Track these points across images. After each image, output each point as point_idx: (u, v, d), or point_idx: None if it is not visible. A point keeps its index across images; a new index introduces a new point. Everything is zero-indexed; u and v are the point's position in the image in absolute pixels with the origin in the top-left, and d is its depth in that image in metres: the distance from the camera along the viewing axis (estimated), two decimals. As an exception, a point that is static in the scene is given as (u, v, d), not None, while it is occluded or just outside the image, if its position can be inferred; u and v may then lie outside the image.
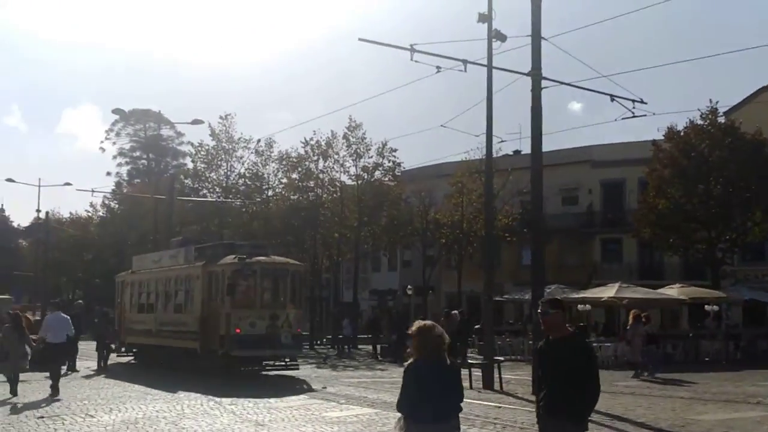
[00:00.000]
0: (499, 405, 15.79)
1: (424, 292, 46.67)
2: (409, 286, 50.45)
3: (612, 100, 19.63)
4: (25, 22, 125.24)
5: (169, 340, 24.98)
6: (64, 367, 21.31)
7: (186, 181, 48.18)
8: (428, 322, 6.20)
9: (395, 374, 24.28)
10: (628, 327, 24.39)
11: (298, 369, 22.82)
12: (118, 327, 29.06)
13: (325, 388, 19.36)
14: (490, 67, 19.11)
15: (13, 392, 16.84)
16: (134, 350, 28.50)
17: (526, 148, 55.94)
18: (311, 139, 41.52)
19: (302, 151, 41.96)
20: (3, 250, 77.13)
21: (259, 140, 42.64)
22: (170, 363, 24.43)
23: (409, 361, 6.07)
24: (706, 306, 32.46)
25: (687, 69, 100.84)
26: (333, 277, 46.42)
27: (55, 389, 16.89)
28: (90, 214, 64.47)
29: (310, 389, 19.20)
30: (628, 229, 41.47)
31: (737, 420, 13.74)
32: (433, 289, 50.76)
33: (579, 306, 34.32)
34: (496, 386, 18.80)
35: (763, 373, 23.59)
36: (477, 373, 19.42)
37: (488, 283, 20.31)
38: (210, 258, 23.30)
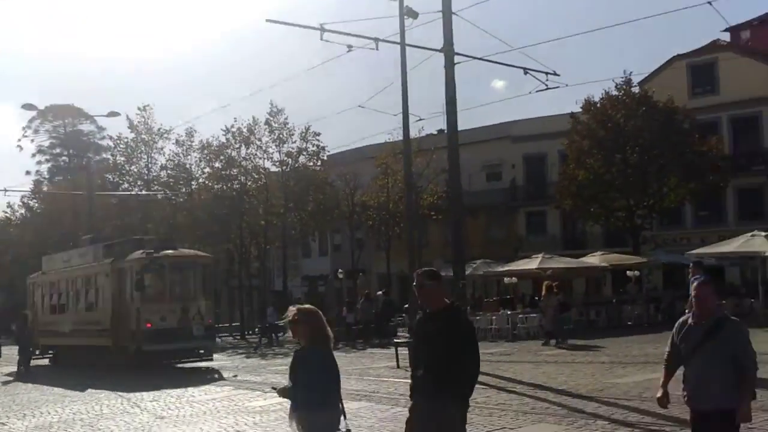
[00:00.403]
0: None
1: (354, 275, 46.63)
2: (339, 270, 50.33)
3: (525, 73, 19.81)
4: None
5: (83, 340, 24.97)
6: None
7: (107, 176, 46.97)
8: (309, 307, 6.05)
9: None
10: (541, 297, 24.89)
11: (212, 360, 22.94)
12: (32, 329, 28.17)
13: (236, 376, 19.35)
14: (403, 45, 19.03)
15: None
16: (50, 352, 28.19)
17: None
18: (232, 126, 40.91)
19: (224, 139, 41.31)
20: None
21: (169, 129, 41.61)
22: (86, 362, 24.25)
23: (298, 348, 5.93)
24: (627, 272, 33.30)
25: (600, 39, 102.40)
26: (262, 266, 45.85)
27: None
28: (8, 215, 62.14)
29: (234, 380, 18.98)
30: (551, 201, 42.28)
31: (654, 380, 14.06)
32: (363, 271, 50.80)
33: (505, 279, 34.85)
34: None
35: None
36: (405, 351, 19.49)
37: (412, 266, 20.28)
38: (118, 255, 23.44)
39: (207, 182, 42.80)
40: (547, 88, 19.99)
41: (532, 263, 30.45)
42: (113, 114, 35.61)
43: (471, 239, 50.57)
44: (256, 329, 42.24)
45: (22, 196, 60.43)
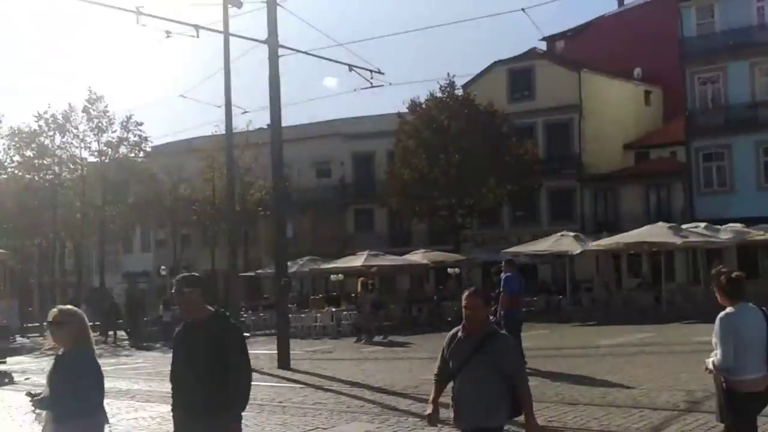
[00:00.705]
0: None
1: (177, 272, 45.03)
2: (162, 267, 48.55)
3: (350, 69, 19.84)
4: None
5: None
6: None
7: None
8: (71, 308, 5.50)
9: (139, 359, 23.19)
10: (357, 295, 25.19)
11: (5, 363, 21.82)
12: None
13: (27, 379, 18.18)
14: (226, 34, 18.44)
15: None
16: None
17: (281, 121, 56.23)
18: (45, 112, 38.32)
19: (36, 126, 38.60)
20: None
21: None
22: None
23: (59, 353, 5.33)
24: (448, 269, 34.37)
25: (425, 40, 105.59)
26: (78, 261, 43.35)
27: None
28: None
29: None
30: (379, 199, 42.91)
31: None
32: (187, 268, 49.20)
33: (332, 276, 34.99)
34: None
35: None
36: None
37: (233, 263, 19.76)
38: None
39: (16, 172, 39.78)
40: (372, 86, 20.16)
41: (357, 260, 30.71)
42: None
43: (300, 236, 50.51)
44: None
45: None
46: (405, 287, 41.39)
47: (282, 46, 17.48)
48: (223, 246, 47.09)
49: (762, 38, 36.75)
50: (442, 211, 38.30)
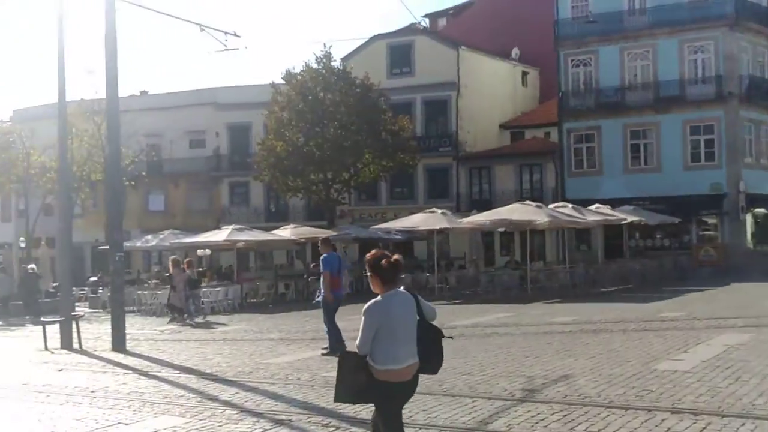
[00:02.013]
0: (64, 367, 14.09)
1: (35, 244, 42.30)
2: (21, 239, 45.58)
3: (201, 29, 18.48)
4: None
5: None
6: None
7: None
8: None
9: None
10: (170, 274, 24.01)
11: None
12: None
13: None
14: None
15: None
16: None
17: (155, 90, 53.68)
18: None
19: None
20: None
21: None
22: None
23: None
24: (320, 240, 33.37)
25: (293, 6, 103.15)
26: None
27: None
28: None
29: None
30: (254, 172, 41.52)
31: (308, 360, 13.67)
32: (48, 240, 46.35)
33: (198, 251, 33.52)
34: (75, 345, 17.03)
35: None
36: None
37: (66, 236, 18.13)
38: None
39: None
40: (226, 49, 18.88)
41: (221, 235, 29.35)
42: None
43: (172, 208, 48.65)
44: None
45: None
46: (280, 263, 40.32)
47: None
48: (91, 217, 44.72)
49: (632, 24, 37.53)
50: (317, 185, 37.36)
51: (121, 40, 16.56)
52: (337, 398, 5.60)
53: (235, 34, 19.19)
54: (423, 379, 10.67)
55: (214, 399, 10.45)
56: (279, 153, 35.99)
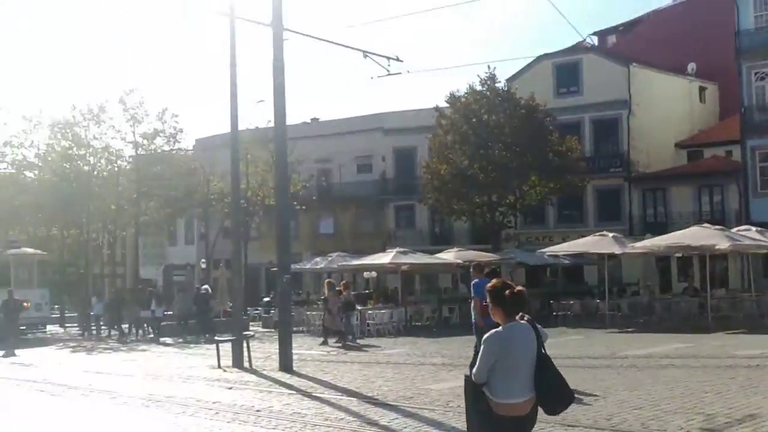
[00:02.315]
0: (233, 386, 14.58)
1: (212, 266, 44.88)
2: (203, 260, 48.46)
3: (365, 56, 18.78)
4: None
5: None
6: None
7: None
8: None
9: (153, 355, 22.56)
10: (325, 297, 24.21)
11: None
12: None
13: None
14: (232, 18, 17.55)
15: None
16: None
17: (325, 116, 55.58)
18: (80, 103, 38.36)
19: (71, 117, 38.56)
20: None
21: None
22: None
23: None
24: (486, 269, 32.91)
25: (451, 24, 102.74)
26: (112, 253, 43.30)
27: None
28: None
29: None
30: (419, 195, 41.82)
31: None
32: (227, 262, 48.92)
33: (365, 273, 34.09)
34: (246, 364, 17.64)
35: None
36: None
37: (238, 257, 18.90)
38: None
39: (53, 162, 39.79)
40: (389, 74, 19.08)
41: (385, 258, 29.66)
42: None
43: (341, 231, 49.92)
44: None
45: None
46: (445, 286, 40.22)
47: (288, 30, 16.52)
48: (265, 240, 46.70)
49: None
50: (481, 208, 37.03)
51: (290, 69, 17.17)
52: (469, 426, 5.57)
53: (397, 59, 19.36)
54: (592, 411, 10.03)
55: (373, 423, 10.37)
56: (443, 176, 36.01)
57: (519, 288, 5.40)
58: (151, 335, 29.22)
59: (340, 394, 13.15)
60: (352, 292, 34.08)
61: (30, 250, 32.64)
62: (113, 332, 30.79)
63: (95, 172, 39.34)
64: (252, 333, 21.85)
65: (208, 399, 12.89)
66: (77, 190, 37.84)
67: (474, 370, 5.28)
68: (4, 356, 22.92)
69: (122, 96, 38.31)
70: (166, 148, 40.08)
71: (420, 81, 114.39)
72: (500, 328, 5.31)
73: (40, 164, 40.49)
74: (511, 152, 35.10)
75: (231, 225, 21.08)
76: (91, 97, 38.67)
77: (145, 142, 39.22)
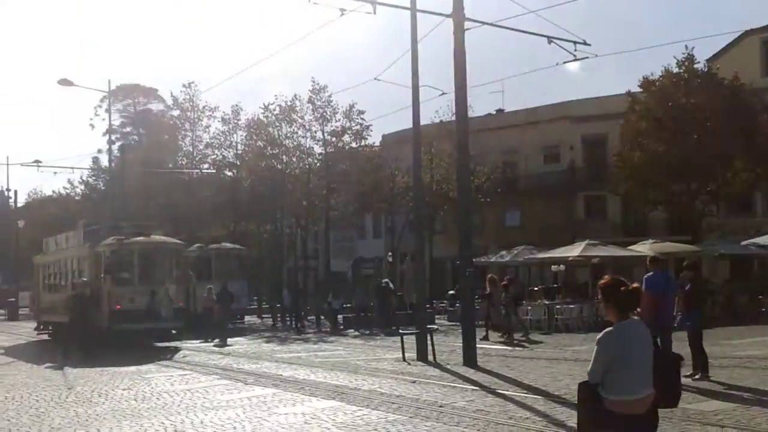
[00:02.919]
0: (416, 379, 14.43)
1: (399, 259, 45.34)
2: (389, 254, 49.16)
3: (550, 42, 17.97)
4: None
5: (69, 317, 26.07)
6: None
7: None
8: None
9: (340, 347, 23.01)
10: (489, 292, 23.31)
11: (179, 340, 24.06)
12: (36, 306, 30.92)
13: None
14: (413, 11, 17.39)
15: None
16: (50, 328, 29.58)
17: (510, 106, 54.62)
18: (271, 103, 40.07)
19: (263, 117, 40.44)
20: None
21: (214, 107, 40.75)
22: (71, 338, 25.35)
23: None
24: (684, 262, 30.81)
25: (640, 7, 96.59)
26: (304, 247, 44.86)
27: None
28: (68, 192, 63.09)
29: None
30: (610, 185, 39.95)
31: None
32: (412, 255, 49.40)
33: (552, 266, 33.00)
34: (430, 357, 17.49)
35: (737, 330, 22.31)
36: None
37: (421, 251, 18.77)
38: (96, 239, 24.92)
39: (249, 161, 41.96)
40: (576, 59, 18.15)
41: (574, 250, 28.49)
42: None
43: (527, 224, 48.81)
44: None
45: (81, 174, 61.15)
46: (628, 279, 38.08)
47: (469, 19, 16.10)
48: (450, 233, 46.67)
49: None
50: (679, 197, 34.72)
51: (471, 60, 16.68)
52: (579, 430, 5.48)
53: (584, 43, 18.39)
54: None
55: (560, 424, 9.79)
56: (637, 164, 34.10)
57: (634, 285, 5.33)
58: (328, 328, 30.13)
59: (525, 391, 12.62)
60: (537, 287, 33.40)
61: (229, 245, 34.49)
62: (298, 324, 32.11)
63: (288, 170, 40.97)
64: (436, 326, 21.68)
65: (391, 392, 12.83)
66: (271, 187, 39.66)
67: (588, 370, 5.26)
68: (217, 345, 24.38)
69: (311, 95, 39.57)
70: (354, 145, 40.91)
71: (608, 65, 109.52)
72: (613, 327, 5.24)
73: (238, 163, 42.84)
74: (713, 137, 32.56)
75: (414, 218, 21.02)
76: (281, 98, 39.53)
77: (334, 139, 40.27)
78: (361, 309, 31.32)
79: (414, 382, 14.10)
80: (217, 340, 25.11)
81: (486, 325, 23.23)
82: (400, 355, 17.79)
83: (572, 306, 25.98)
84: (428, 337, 17.51)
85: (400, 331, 18.61)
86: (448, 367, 16.24)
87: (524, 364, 16.78)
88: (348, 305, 33.41)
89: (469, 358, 16.04)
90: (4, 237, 62.73)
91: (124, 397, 13.34)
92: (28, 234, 57.86)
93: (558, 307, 25.98)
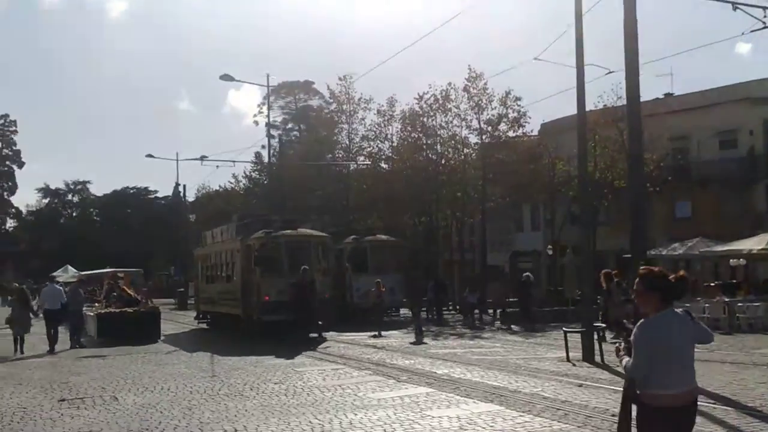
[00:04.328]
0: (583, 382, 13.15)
1: (559, 252, 43.46)
2: (549, 247, 47.31)
3: (735, 8, 16.02)
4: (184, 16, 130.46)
5: (225, 308, 27.71)
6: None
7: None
8: None
9: (497, 344, 21.88)
10: (606, 288, 20.48)
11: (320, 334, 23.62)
12: (196, 296, 32.62)
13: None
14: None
15: (19, 350, 20.72)
16: (208, 317, 30.91)
17: (678, 90, 51.09)
18: (425, 93, 39.37)
19: (417, 108, 39.81)
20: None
21: (369, 99, 40.60)
22: (228, 328, 27.00)
23: None
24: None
25: None
26: (460, 239, 43.86)
27: (50, 348, 21.10)
28: (233, 186, 65.47)
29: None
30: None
31: None
32: (574, 248, 47.26)
33: (731, 261, 30.26)
34: (597, 358, 16.07)
35: None
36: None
37: (588, 243, 17.34)
38: (247, 233, 25.55)
39: (404, 153, 41.48)
40: (765, 27, 16.06)
41: (757, 242, 25.83)
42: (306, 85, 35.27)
43: (700, 215, 45.39)
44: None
45: (244, 168, 63.35)
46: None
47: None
48: (615, 224, 44.26)
49: None
50: None
51: (642, 36, 15.11)
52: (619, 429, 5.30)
53: (775, 8, 16.26)
54: None
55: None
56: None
57: (682, 272, 5.15)
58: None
59: (711, 401, 11.07)
60: (713, 283, 30.67)
61: (384, 237, 34.19)
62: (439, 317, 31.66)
63: (443, 161, 40.16)
64: (603, 324, 20.04)
65: (555, 397, 11.69)
66: (426, 178, 38.98)
67: (629, 365, 5.00)
68: (374, 337, 24.01)
69: (466, 84, 38.52)
70: (511, 133, 39.46)
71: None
72: (651, 316, 4.98)
73: (393, 156, 42.51)
74: None
75: (579, 209, 19.56)
76: (435, 87, 38.79)
77: (489, 128, 38.99)
78: (498, 304, 30.32)
79: (581, 385, 12.85)
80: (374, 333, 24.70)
81: (612, 326, 21.05)
82: (564, 355, 16.50)
83: (757, 304, 23.49)
84: (595, 336, 16.10)
85: (564, 329, 17.27)
86: (618, 369, 14.77)
87: (703, 368, 14.93)
88: (489, 300, 32.38)
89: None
90: (178, 230, 66.25)
91: (274, 391, 12.96)
92: (197, 227, 60.65)
93: (740, 304, 23.55)
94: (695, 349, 5.09)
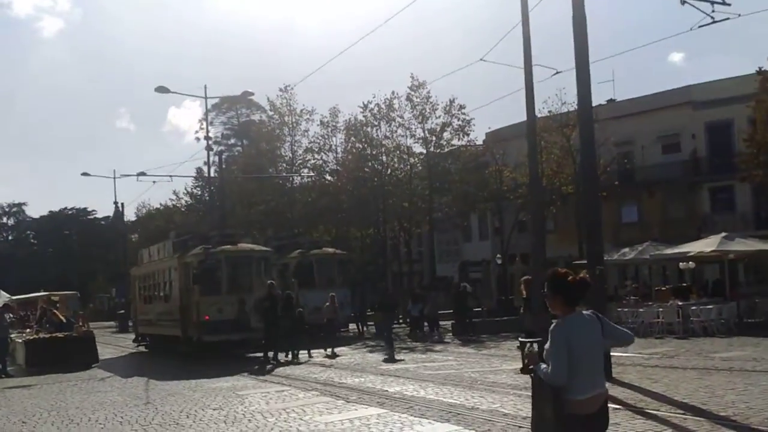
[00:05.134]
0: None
1: (506, 261, 43.10)
2: (498, 256, 46.92)
3: (683, 3, 15.61)
4: (115, 32, 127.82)
5: (163, 329, 26.60)
6: None
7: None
8: None
9: (450, 356, 21.07)
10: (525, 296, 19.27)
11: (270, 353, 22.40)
12: (134, 318, 30.00)
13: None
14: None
15: None
16: (147, 340, 29.75)
17: (620, 95, 51.33)
18: (369, 102, 38.63)
19: (362, 117, 39.08)
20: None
21: (312, 110, 39.73)
22: (167, 350, 26.00)
23: None
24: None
25: None
26: (408, 250, 43.12)
27: None
28: (174, 203, 63.83)
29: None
30: (740, 174, 36.49)
31: None
32: (522, 257, 46.97)
33: (680, 264, 30.08)
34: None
35: None
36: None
37: (539, 251, 16.72)
38: (184, 250, 24.58)
39: (348, 164, 40.64)
40: (714, 22, 15.68)
41: (708, 245, 25.62)
42: (247, 93, 34.41)
43: (647, 219, 45.58)
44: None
45: (185, 185, 61.83)
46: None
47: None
48: (563, 231, 44.06)
49: None
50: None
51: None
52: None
53: (724, 2, 15.92)
54: None
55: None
56: (772, 148, 30.75)
57: (583, 274, 4.97)
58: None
59: (680, 410, 10.44)
60: (665, 287, 30.53)
61: (331, 250, 33.22)
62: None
63: (388, 171, 39.43)
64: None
65: (516, 413, 10.89)
66: (372, 189, 38.19)
67: (548, 371, 4.74)
68: (328, 357, 22.71)
69: (409, 92, 37.92)
70: (455, 142, 38.96)
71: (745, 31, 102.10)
72: (560, 320, 4.85)
73: (338, 168, 41.65)
74: None
75: (530, 213, 18.91)
76: (380, 95, 38.12)
77: (434, 138, 38.41)
78: (432, 317, 29.64)
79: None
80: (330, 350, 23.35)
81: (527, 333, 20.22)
82: (520, 366, 15.72)
83: (710, 307, 23.18)
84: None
85: (520, 339, 16.47)
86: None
87: (669, 375, 14.44)
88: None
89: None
90: (119, 250, 64.11)
91: (213, 418, 11.90)
92: (139, 247, 58.72)
93: (693, 308, 23.22)
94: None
